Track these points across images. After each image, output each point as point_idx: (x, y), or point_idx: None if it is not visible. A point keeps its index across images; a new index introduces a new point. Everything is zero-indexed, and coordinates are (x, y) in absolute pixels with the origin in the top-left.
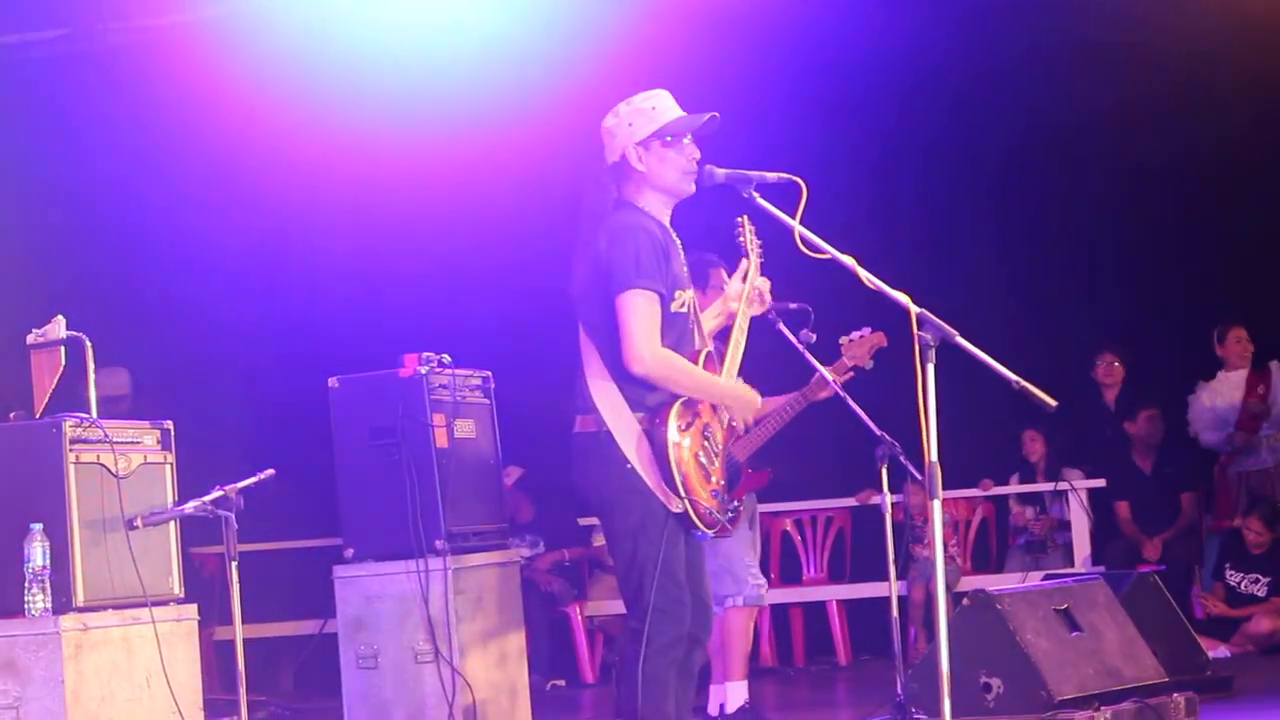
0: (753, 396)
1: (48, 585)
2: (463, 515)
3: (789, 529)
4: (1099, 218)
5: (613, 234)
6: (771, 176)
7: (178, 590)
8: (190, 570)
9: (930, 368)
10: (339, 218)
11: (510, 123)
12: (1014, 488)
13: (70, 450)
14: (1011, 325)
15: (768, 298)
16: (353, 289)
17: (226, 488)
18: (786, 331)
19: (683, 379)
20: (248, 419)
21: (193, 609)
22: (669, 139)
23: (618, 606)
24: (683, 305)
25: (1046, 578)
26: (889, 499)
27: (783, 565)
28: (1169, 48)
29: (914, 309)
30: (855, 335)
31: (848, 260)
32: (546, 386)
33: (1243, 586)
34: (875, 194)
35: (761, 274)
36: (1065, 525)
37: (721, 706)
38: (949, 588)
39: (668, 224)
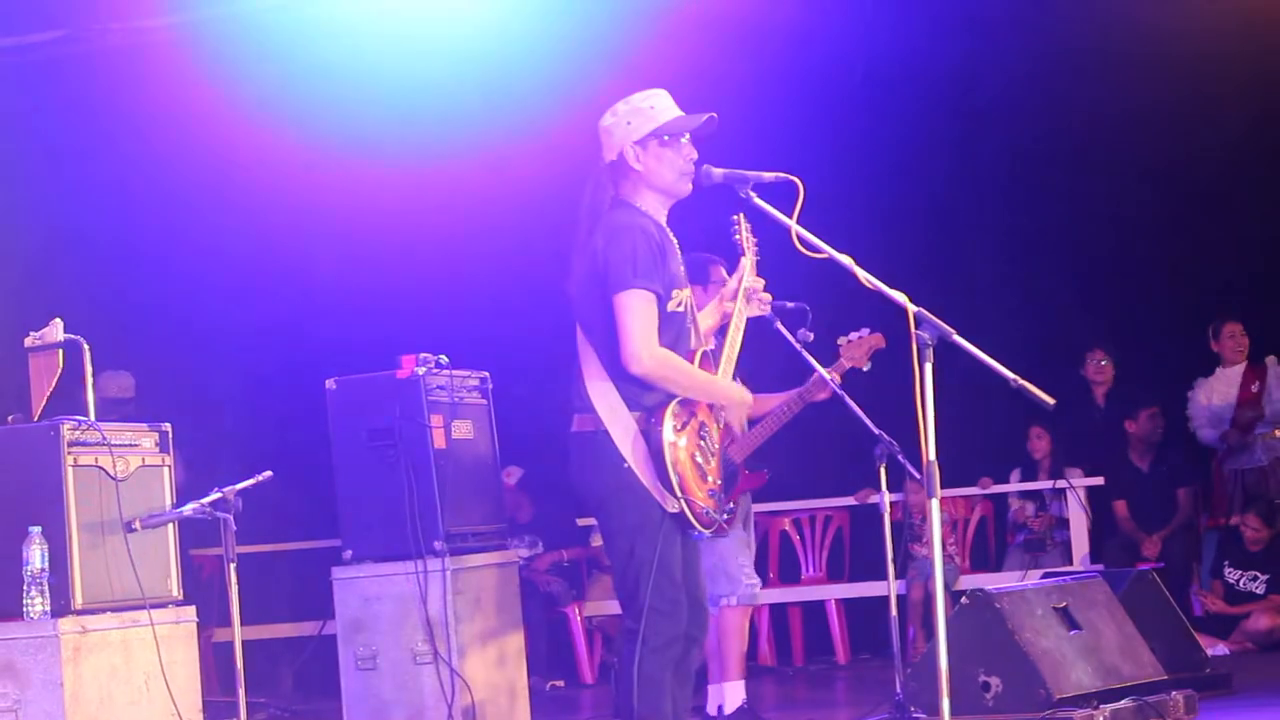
0: (747, 397)
1: (46, 588)
2: (461, 516)
3: (788, 528)
4: (1096, 217)
5: (610, 233)
6: (769, 176)
7: (176, 592)
8: (189, 572)
9: (928, 366)
10: (336, 219)
11: (507, 122)
12: (1013, 485)
13: (68, 453)
14: (1009, 324)
15: (765, 296)
16: (350, 290)
17: (225, 490)
18: (784, 331)
19: (680, 379)
20: (246, 421)
21: (191, 611)
22: (667, 138)
23: (616, 607)
24: (679, 305)
25: (1045, 576)
26: (887, 498)
27: (781, 564)
28: (1169, 50)
29: (911, 308)
30: (854, 336)
31: (845, 259)
32: (544, 386)
33: (1241, 584)
34: (872, 194)
35: (758, 273)
36: (1064, 523)
37: (720, 707)
38: (947, 586)
39: (664, 223)
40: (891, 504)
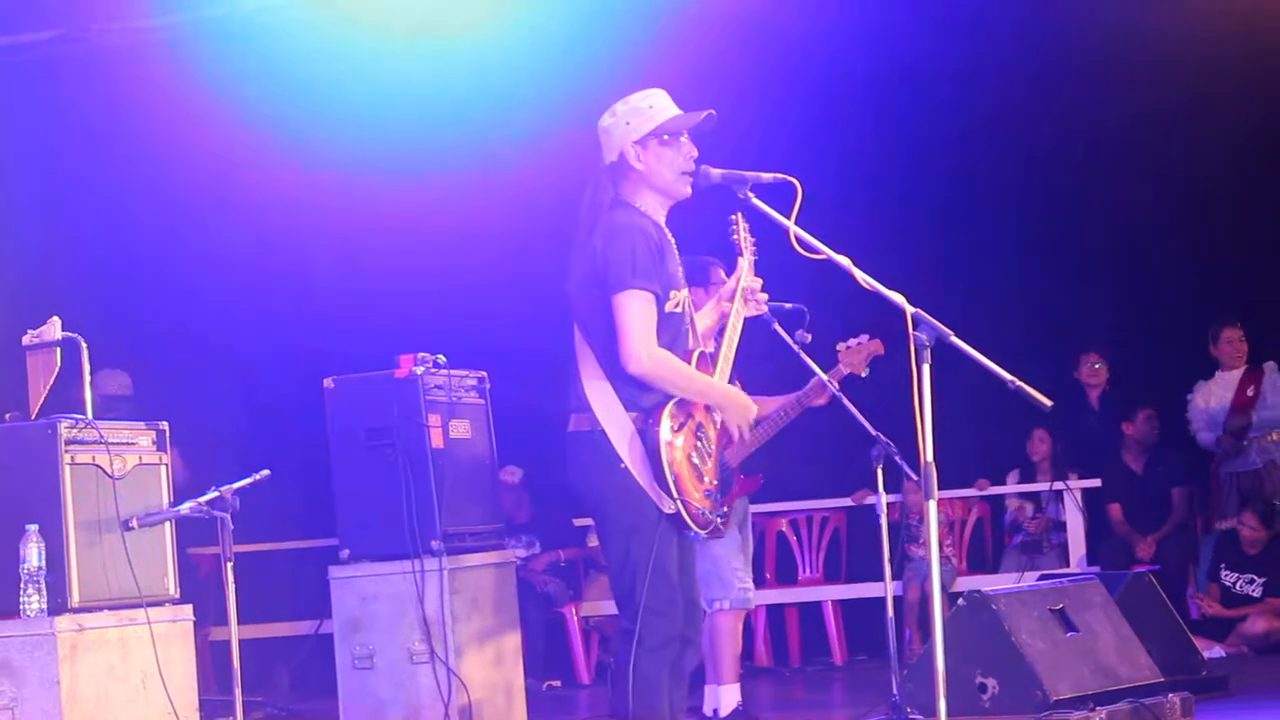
0: (748, 403)
1: (43, 586)
2: (458, 516)
3: (784, 529)
4: (1098, 219)
5: (609, 233)
6: (767, 177)
7: (173, 591)
8: (186, 571)
9: (926, 368)
10: (334, 218)
11: (506, 122)
12: (1011, 487)
13: (65, 451)
14: (1009, 325)
15: (762, 297)
16: (348, 290)
17: (222, 489)
18: (782, 332)
19: (678, 380)
20: (243, 420)
21: (188, 610)
22: (666, 137)
23: (613, 607)
24: (677, 305)
25: (1042, 578)
26: (885, 499)
27: (778, 565)
28: (1169, 54)
29: (909, 309)
30: (853, 342)
31: (843, 260)
32: (542, 387)
33: (1238, 587)
34: (870, 195)
35: (756, 274)
36: (1061, 525)
37: (715, 710)
38: (944, 588)
39: (663, 224)
40: (889, 505)
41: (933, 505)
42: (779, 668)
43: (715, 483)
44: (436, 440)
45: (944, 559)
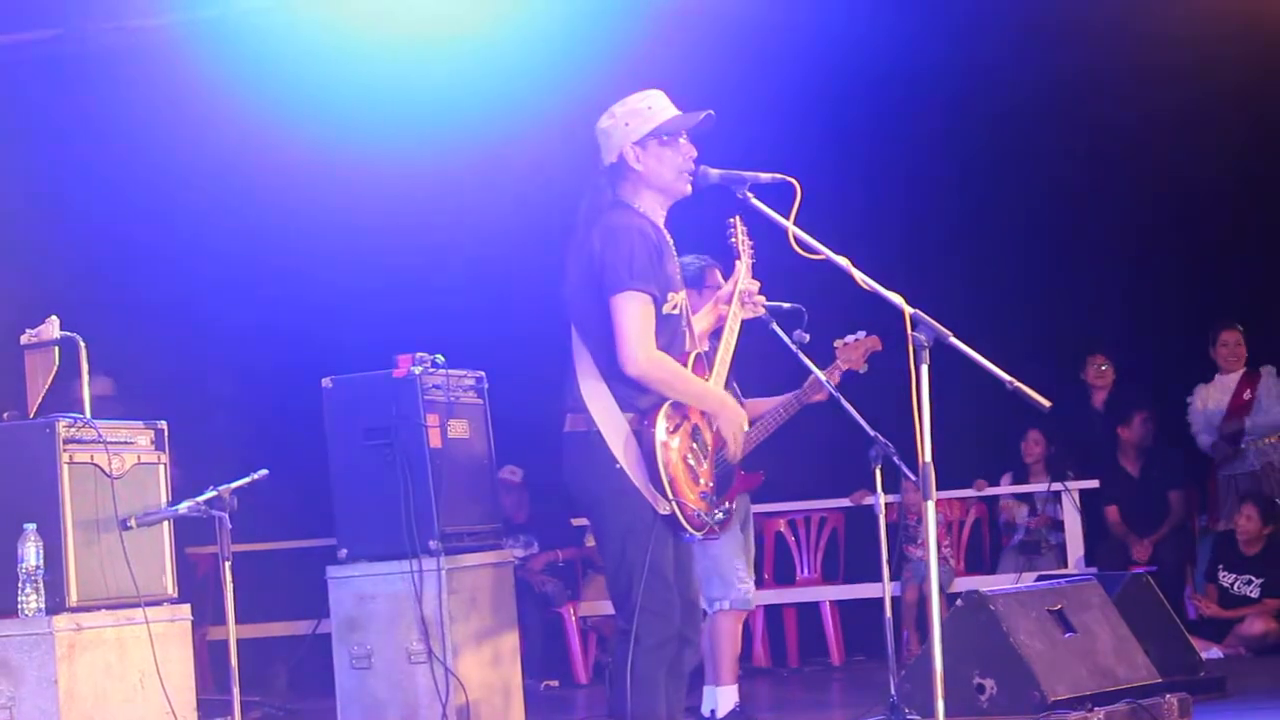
0: (741, 413)
1: (41, 585)
2: (456, 516)
3: (783, 530)
4: (1099, 220)
5: (607, 234)
6: (765, 177)
7: (171, 590)
8: (184, 570)
9: (924, 368)
10: (333, 218)
11: (504, 122)
12: (1010, 488)
13: (64, 450)
14: (1007, 326)
15: (759, 299)
16: (347, 289)
17: (220, 488)
18: (781, 332)
19: (675, 383)
20: (242, 419)
21: (186, 609)
22: (665, 138)
23: (611, 607)
24: (675, 307)
25: (1040, 579)
26: (883, 499)
27: (776, 566)
28: (1171, 55)
29: (908, 309)
30: (850, 339)
31: (842, 260)
32: (540, 387)
33: (1235, 588)
34: (870, 195)
35: (754, 275)
36: (1058, 526)
37: (713, 711)
38: (942, 589)
39: (662, 225)
40: (887, 506)
41: (931, 505)
42: (777, 668)
43: (711, 484)
44: (434, 440)
45: (942, 559)
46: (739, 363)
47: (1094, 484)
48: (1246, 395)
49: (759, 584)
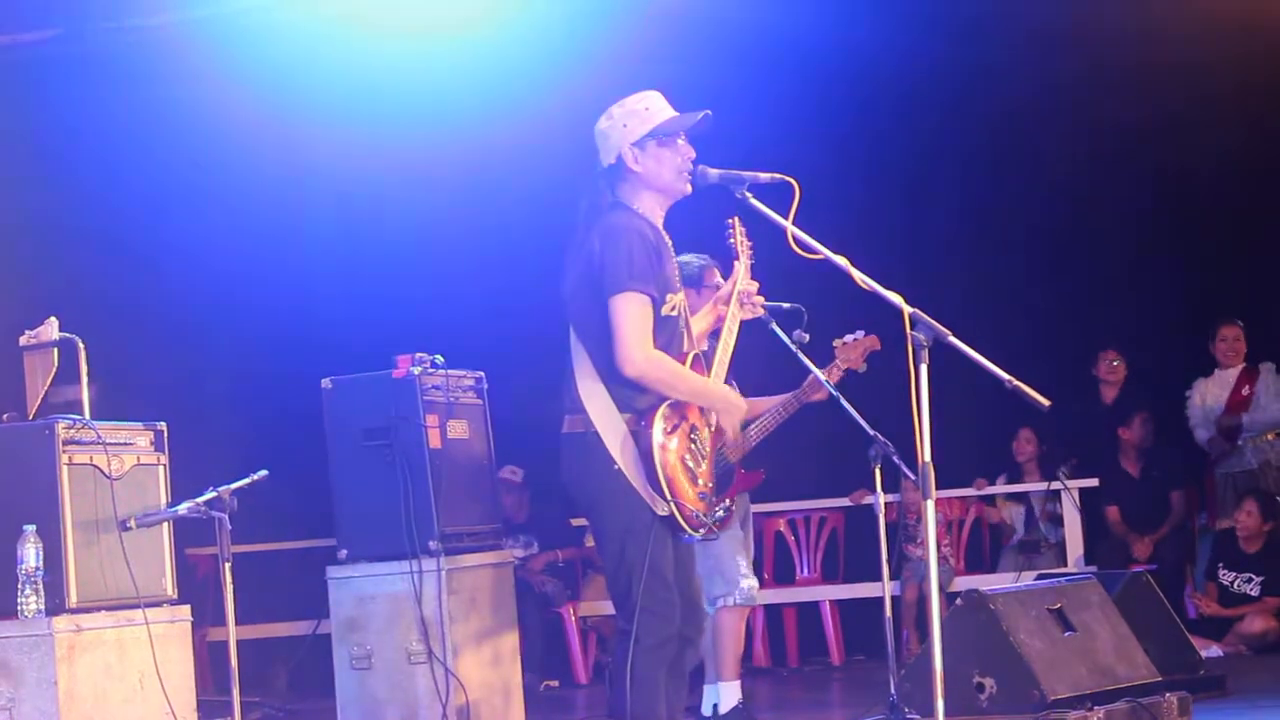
0: (740, 403)
1: (41, 586)
2: (456, 516)
3: (782, 529)
4: (1098, 219)
5: (606, 235)
6: (764, 177)
7: (171, 591)
8: (184, 571)
9: (924, 368)
10: (332, 218)
11: (503, 123)
12: (1007, 487)
13: (63, 451)
14: (1007, 326)
15: (758, 300)
16: (346, 290)
17: (220, 489)
18: (780, 332)
19: (674, 382)
20: (241, 420)
21: (186, 610)
22: (663, 139)
23: (611, 607)
24: (673, 308)
25: (1039, 578)
26: (882, 499)
27: (776, 565)
28: (1171, 56)
29: (907, 309)
30: (849, 338)
31: (841, 260)
32: (540, 387)
33: (1235, 586)
34: (870, 195)
35: (754, 275)
36: (1057, 519)
37: (715, 707)
38: (941, 588)
39: (660, 226)
40: (886, 505)
41: (930, 505)
42: (777, 668)
43: (710, 485)
44: (434, 440)
45: (941, 559)
46: (739, 363)
47: (1094, 483)
48: (1245, 391)
49: (759, 584)
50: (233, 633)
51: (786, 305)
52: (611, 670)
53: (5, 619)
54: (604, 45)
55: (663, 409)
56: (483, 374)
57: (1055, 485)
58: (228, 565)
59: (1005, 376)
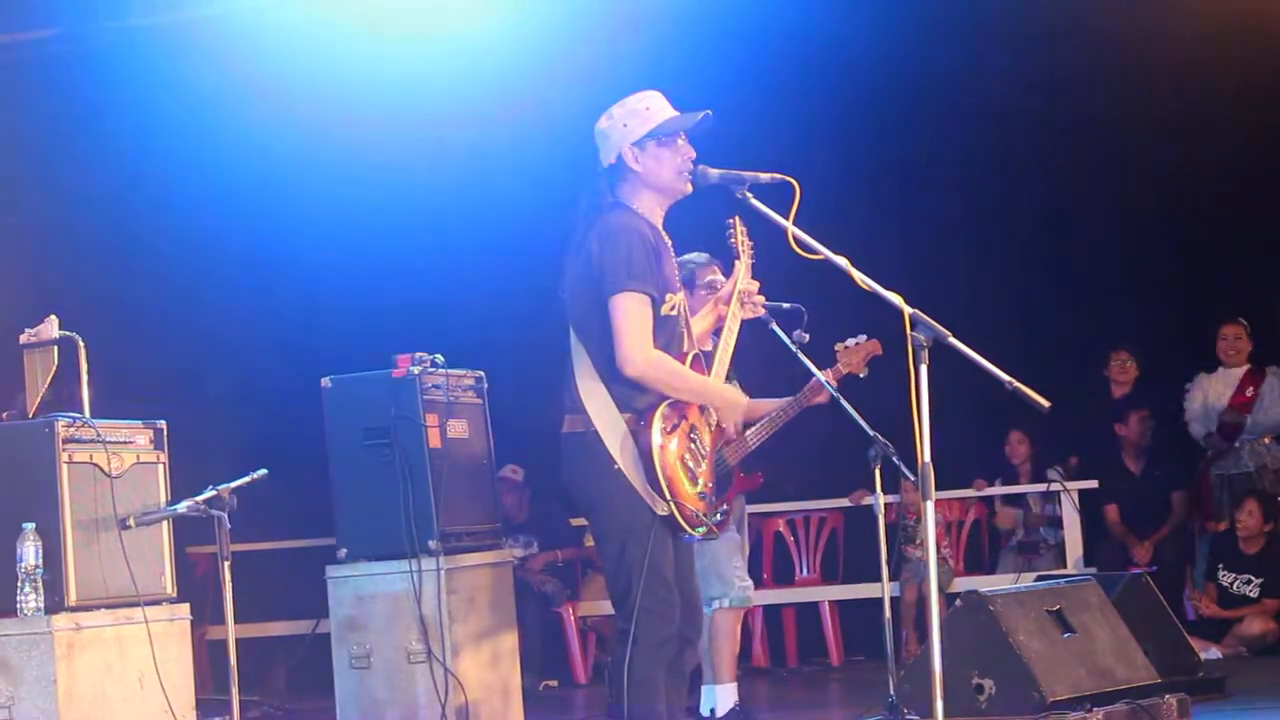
0: (740, 400)
1: (40, 585)
2: (456, 515)
3: (782, 529)
4: (1099, 219)
5: (605, 235)
6: (765, 177)
7: (171, 590)
8: (183, 570)
9: (924, 368)
10: (332, 217)
11: (503, 123)
12: (1005, 489)
13: (63, 450)
14: (1007, 326)
15: (759, 299)
16: (346, 289)
17: (220, 487)
18: (780, 332)
19: (674, 381)
20: (241, 419)
21: (185, 609)
22: (664, 139)
23: (610, 607)
24: (673, 308)
25: (1039, 579)
26: (882, 500)
27: (775, 566)
28: (1172, 57)
29: (907, 309)
30: (851, 342)
31: (841, 261)
32: (540, 387)
33: (1235, 587)
34: (870, 195)
35: (754, 275)
36: (1055, 522)
37: (713, 709)
38: (941, 589)
39: (660, 225)
40: (886, 506)
41: (930, 505)
42: (776, 668)
43: (710, 485)
44: (434, 440)
45: (941, 560)
46: (739, 363)
47: (1093, 484)
48: (1249, 393)
49: (758, 584)
50: (232, 631)
51: (786, 305)
52: (611, 670)
53: (4, 617)
54: (606, 45)
55: (662, 409)
56: (483, 374)
57: (1055, 487)
58: (227, 564)
59: (1005, 378)
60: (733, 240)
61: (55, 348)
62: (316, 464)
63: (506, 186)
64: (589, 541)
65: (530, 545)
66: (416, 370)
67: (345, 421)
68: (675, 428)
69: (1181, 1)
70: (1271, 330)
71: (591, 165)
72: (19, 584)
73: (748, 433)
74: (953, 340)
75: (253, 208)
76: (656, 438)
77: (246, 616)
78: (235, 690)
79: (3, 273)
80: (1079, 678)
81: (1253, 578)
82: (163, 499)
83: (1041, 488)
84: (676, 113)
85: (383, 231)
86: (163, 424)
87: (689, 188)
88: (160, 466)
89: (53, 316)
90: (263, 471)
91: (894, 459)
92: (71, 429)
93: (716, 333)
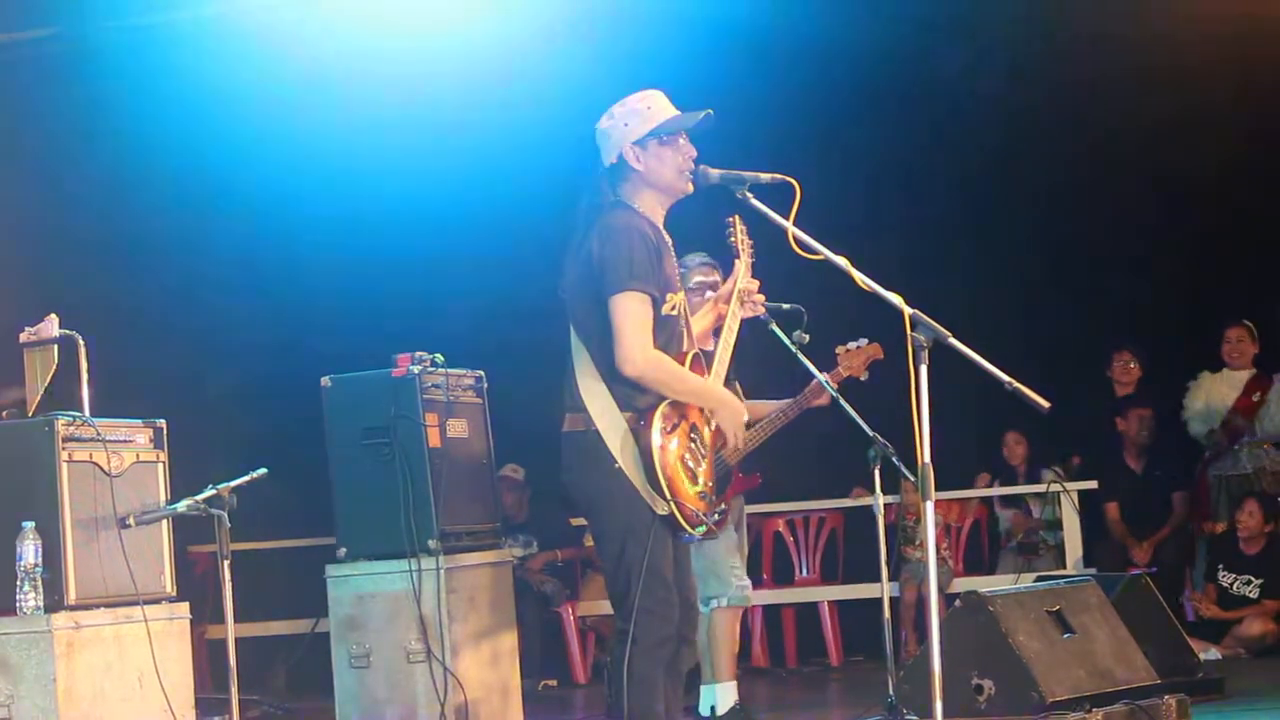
0: (740, 407)
1: (40, 583)
2: (455, 515)
3: (781, 530)
4: (1100, 219)
5: (606, 234)
6: (765, 177)
7: (170, 589)
8: (183, 569)
9: (923, 369)
10: (333, 217)
11: (504, 122)
12: (1004, 489)
13: (63, 449)
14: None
15: (758, 299)
16: (346, 288)
17: (219, 487)
18: (780, 332)
19: (674, 382)
20: (241, 419)
21: (185, 608)
22: (665, 138)
23: (610, 607)
24: (673, 308)
25: (1038, 579)
26: (881, 500)
27: (775, 566)
28: (1174, 58)
29: (907, 309)
30: (852, 345)
31: (841, 261)
32: (540, 386)
33: (1235, 588)
34: (870, 195)
35: (754, 275)
36: (1054, 525)
37: (712, 708)
38: (940, 589)
39: (661, 225)
40: (885, 506)
41: (929, 506)
42: (775, 668)
43: (710, 484)
44: (434, 439)
45: (940, 560)
46: (739, 363)
47: (1092, 485)
48: (1255, 397)
49: (758, 584)
50: (231, 631)
51: (786, 306)
52: (610, 670)
53: (4, 616)
54: (606, 45)
55: (661, 408)
56: (483, 373)
57: (1054, 487)
58: (227, 563)
59: (1005, 378)
60: (732, 239)
61: (55, 346)
62: (316, 463)
63: (507, 186)
64: (589, 541)
65: (530, 545)
66: (416, 369)
67: (345, 421)
68: (675, 427)
69: (1182, 2)
70: (1272, 330)
71: (593, 165)
72: (18, 583)
73: (748, 433)
74: (953, 340)
75: (253, 207)
76: (657, 437)
77: (246, 616)
78: (235, 689)
79: (3, 273)
80: (1078, 678)
81: (1253, 578)
82: (162, 498)
83: (1042, 488)
84: (678, 112)
85: (382, 231)
86: (162, 423)
87: (690, 187)
88: (160, 465)
89: (53, 315)
90: (262, 471)
91: (894, 459)
92: (71, 428)
93: (716, 332)
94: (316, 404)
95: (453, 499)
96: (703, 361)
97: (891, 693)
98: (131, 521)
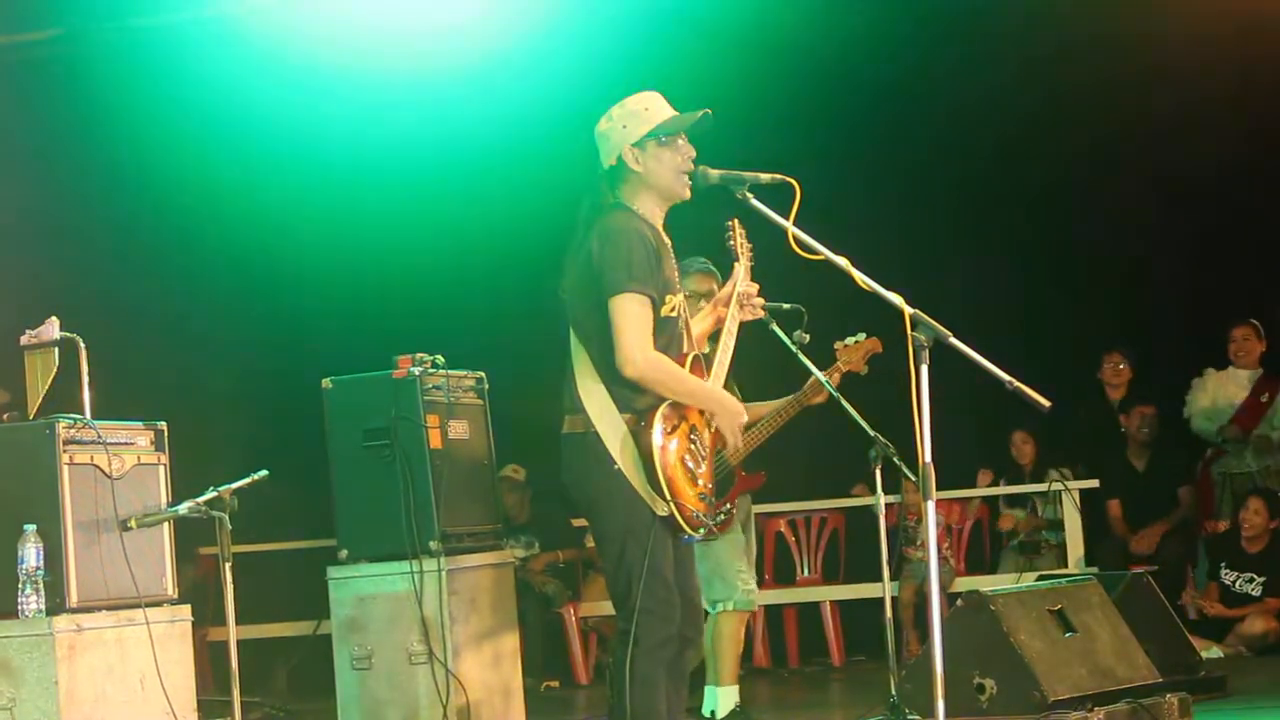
0: (739, 409)
1: (41, 586)
2: (457, 516)
3: (783, 530)
4: (1100, 219)
5: (605, 236)
6: (765, 177)
7: (172, 591)
8: (184, 571)
9: (924, 369)
10: (334, 218)
11: (504, 123)
12: (1006, 489)
13: (64, 451)
14: (1007, 326)
15: (758, 301)
16: (347, 290)
17: (220, 489)
18: (781, 333)
19: (673, 383)
20: (241, 419)
21: (186, 610)
22: (664, 139)
23: (612, 608)
24: (673, 310)
25: (1040, 579)
26: (883, 500)
27: (776, 566)
28: (1174, 58)
29: (907, 309)
30: (850, 340)
31: (841, 260)
32: (540, 387)
33: (1237, 586)
34: (870, 195)
35: (754, 276)
36: (1056, 525)
37: (713, 711)
38: (942, 589)
39: (661, 227)
40: (887, 506)
41: (931, 506)
42: (777, 668)
43: (710, 485)
44: (435, 441)
45: (941, 559)
46: (740, 363)
47: (1094, 484)
48: (1264, 398)
49: (759, 584)
50: (233, 632)
51: (786, 306)
52: (611, 671)
53: (6, 618)
54: (606, 46)
55: (662, 409)
56: (483, 374)
57: (1056, 486)
58: (228, 565)
59: (1006, 378)
60: (732, 243)
61: (56, 349)
62: (317, 465)
63: (507, 187)
64: (590, 542)
65: (531, 546)
66: (417, 371)
67: (346, 422)
68: (676, 428)
69: (1182, 2)
70: (1272, 330)
71: (592, 167)
72: (20, 585)
73: (748, 433)
74: (953, 340)
75: (253, 208)
76: (657, 438)
77: (248, 617)
78: (236, 691)
79: (3, 273)
80: (1080, 677)
81: (1255, 576)
82: (163, 500)
83: (1043, 487)
84: (676, 113)
85: (383, 232)
86: (163, 425)
87: (688, 193)
88: (161, 468)
89: (53, 317)
90: (263, 473)
91: (894, 459)
92: (72, 430)
93: (714, 336)
94: (317, 406)
95: (454, 500)
96: (703, 364)
97: (893, 692)
98: (133, 524)
